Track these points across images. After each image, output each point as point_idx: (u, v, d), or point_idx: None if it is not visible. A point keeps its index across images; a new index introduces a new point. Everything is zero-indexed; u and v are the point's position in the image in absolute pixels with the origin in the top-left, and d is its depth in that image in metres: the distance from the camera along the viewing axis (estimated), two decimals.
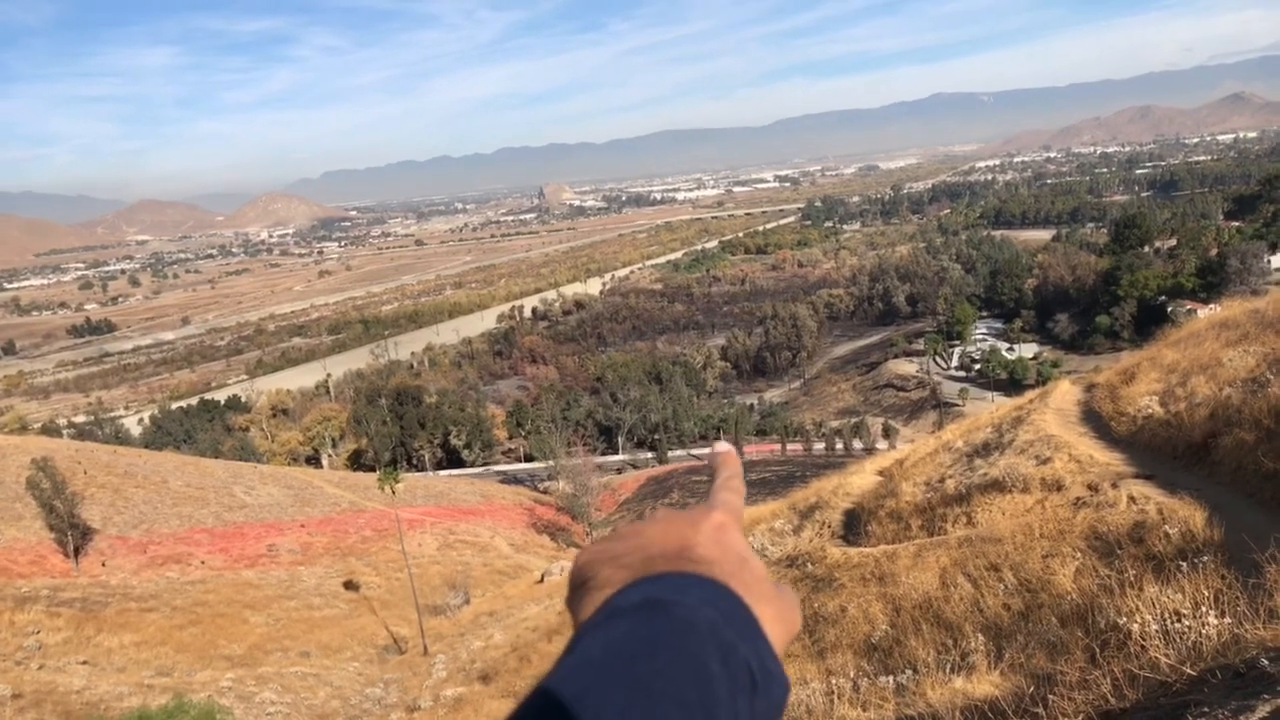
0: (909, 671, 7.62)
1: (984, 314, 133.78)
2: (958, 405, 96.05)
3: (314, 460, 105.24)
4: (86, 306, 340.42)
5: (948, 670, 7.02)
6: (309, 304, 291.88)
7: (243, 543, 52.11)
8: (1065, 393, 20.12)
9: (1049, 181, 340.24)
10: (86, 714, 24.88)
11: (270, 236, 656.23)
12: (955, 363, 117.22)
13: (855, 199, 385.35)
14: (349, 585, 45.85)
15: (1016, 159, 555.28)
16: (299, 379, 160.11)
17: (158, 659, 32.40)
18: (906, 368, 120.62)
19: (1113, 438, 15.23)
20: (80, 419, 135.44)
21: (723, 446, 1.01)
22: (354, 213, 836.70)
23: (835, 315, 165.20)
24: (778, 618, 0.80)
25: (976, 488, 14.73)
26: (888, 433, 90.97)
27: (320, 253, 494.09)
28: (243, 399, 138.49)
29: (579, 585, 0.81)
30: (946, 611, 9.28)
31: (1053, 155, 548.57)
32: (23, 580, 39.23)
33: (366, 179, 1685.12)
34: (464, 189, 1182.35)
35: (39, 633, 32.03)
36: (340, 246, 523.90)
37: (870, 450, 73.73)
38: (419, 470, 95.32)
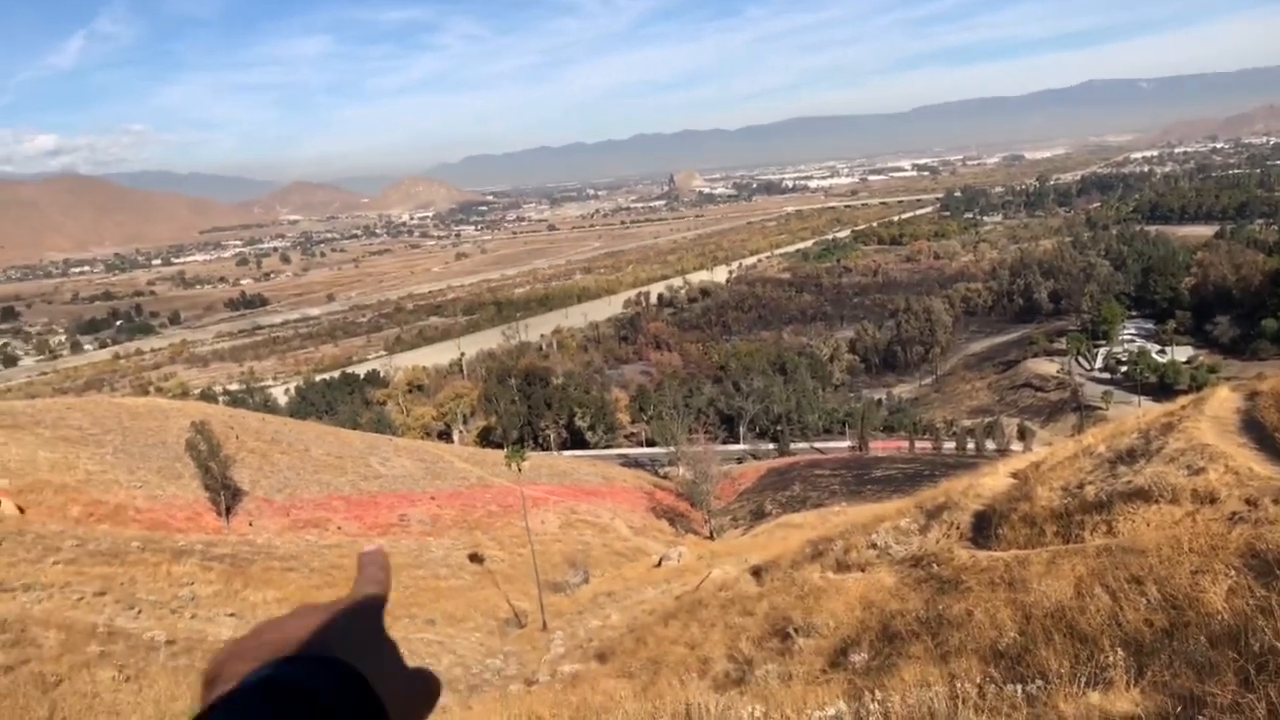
0: (1039, 681, 7.31)
1: (1133, 314, 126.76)
2: (1100, 408, 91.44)
3: (445, 435, 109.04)
4: (242, 282, 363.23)
5: (1082, 683, 6.70)
6: (446, 285, 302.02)
7: (376, 511, 54.50)
8: (1224, 400, 18.81)
9: (1214, 174, 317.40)
10: None
11: (411, 219, 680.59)
12: (1099, 364, 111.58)
13: (998, 190, 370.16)
14: (474, 558, 47.31)
15: (1177, 150, 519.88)
16: (434, 356, 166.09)
17: None
18: (1046, 367, 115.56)
19: (1277, 451, 14.18)
20: (234, 387, 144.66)
21: (369, 549, 1.02)
22: (490, 197, 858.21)
23: (972, 310, 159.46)
24: (406, 694, 0.83)
25: (1119, 495, 13.97)
26: (1023, 434, 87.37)
27: (458, 235, 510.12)
28: (381, 374, 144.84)
29: (208, 684, 0.79)
30: (1081, 623, 8.84)
31: (1219, 146, 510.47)
32: (180, 535, 42.08)
33: (503, 164, 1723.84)
34: (596, 175, 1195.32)
35: (193, 584, 34.25)
36: (477, 230, 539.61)
37: (1004, 451, 70.99)
38: (544, 449, 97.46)
